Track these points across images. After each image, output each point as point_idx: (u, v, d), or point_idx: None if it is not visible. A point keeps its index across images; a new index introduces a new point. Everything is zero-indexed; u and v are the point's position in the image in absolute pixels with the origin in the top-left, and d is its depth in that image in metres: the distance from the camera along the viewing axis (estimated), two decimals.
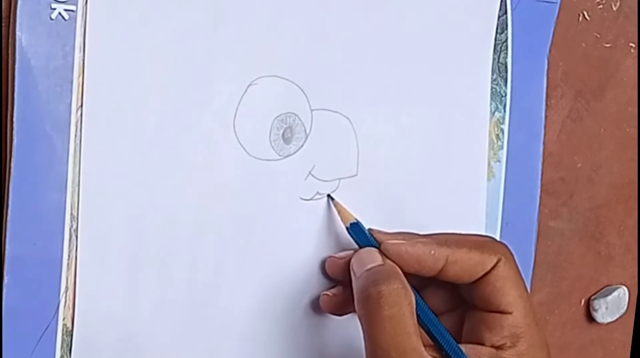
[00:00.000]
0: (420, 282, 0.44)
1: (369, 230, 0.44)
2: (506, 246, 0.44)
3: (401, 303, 0.40)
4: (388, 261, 0.42)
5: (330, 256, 0.45)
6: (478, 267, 0.42)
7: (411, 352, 0.39)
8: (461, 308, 0.44)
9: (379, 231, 0.44)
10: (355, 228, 0.44)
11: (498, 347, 0.41)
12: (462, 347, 0.41)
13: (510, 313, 0.42)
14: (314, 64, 0.45)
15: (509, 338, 0.41)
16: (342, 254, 0.45)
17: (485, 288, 0.42)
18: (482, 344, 0.42)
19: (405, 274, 0.42)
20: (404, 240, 0.43)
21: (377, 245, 0.43)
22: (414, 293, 0.41)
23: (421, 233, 0.44)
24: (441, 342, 0.41)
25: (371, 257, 0.42)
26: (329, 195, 0.45)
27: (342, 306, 0.45)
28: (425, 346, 0.40)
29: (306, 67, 0.45)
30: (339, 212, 0.45)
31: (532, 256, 0.53)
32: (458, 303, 0.44)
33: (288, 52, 0.44)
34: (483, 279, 0.42)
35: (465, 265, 0.42)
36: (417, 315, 0.41)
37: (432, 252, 0.42)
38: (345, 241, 0.45)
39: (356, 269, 0.42)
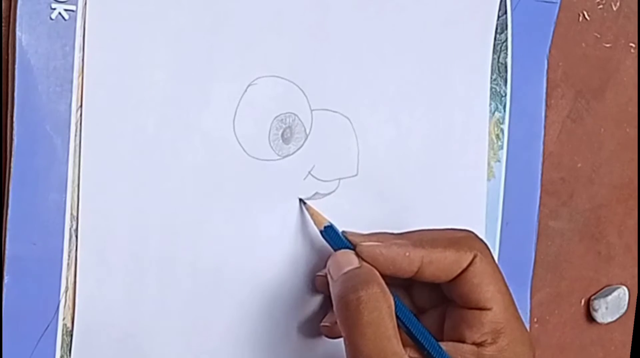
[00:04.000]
0: (403, 280, 0.43)
1: (343, 232, 0.43)
2: (482, 242, 0.43)
3: (380, 307, 0.39)
4: (365, 263, 0.41)
5: (317, 275, 0.45)
6: (454, 266, 0.42)
7: (392, 356, 0.39)
8: (444, 305, 0.44)
9: (353, 233, 0.43)
10: (329, 231, 0.43)
11: (479, 344, 0.41)
12: (443, 345, 0.41)
13: (489, 309, 0.41)
14: (314, 64, 0.45)
15: (489, 334, 0.41)
16: None
17: (463, 285, 0.42)
18: (463, 342, 0.41)
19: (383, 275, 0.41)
20: (378, 241, 0.42)
21: (352, 248, 0.42)
22: (393, 295, 0.41)
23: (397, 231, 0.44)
24: (422, 341, 0.41)
25: (347, 260, 0.42)
26: (300, 199, 0.45)
27: None
28: (405, 347, 0.40)
29: (306, 67, 0.45)
30: (311, 215, 0.44)
31: (532, 256, 0.53)
32: (441, 300, 0.44)
33: (288, 52, 0.44)
34: (460, 277, 0.42)
35: (441, 265, 0.41)
36: (397, 316, 0.40)
37: (407, 254, 0.41)
38: None
39: (333, 272, 0.42)
